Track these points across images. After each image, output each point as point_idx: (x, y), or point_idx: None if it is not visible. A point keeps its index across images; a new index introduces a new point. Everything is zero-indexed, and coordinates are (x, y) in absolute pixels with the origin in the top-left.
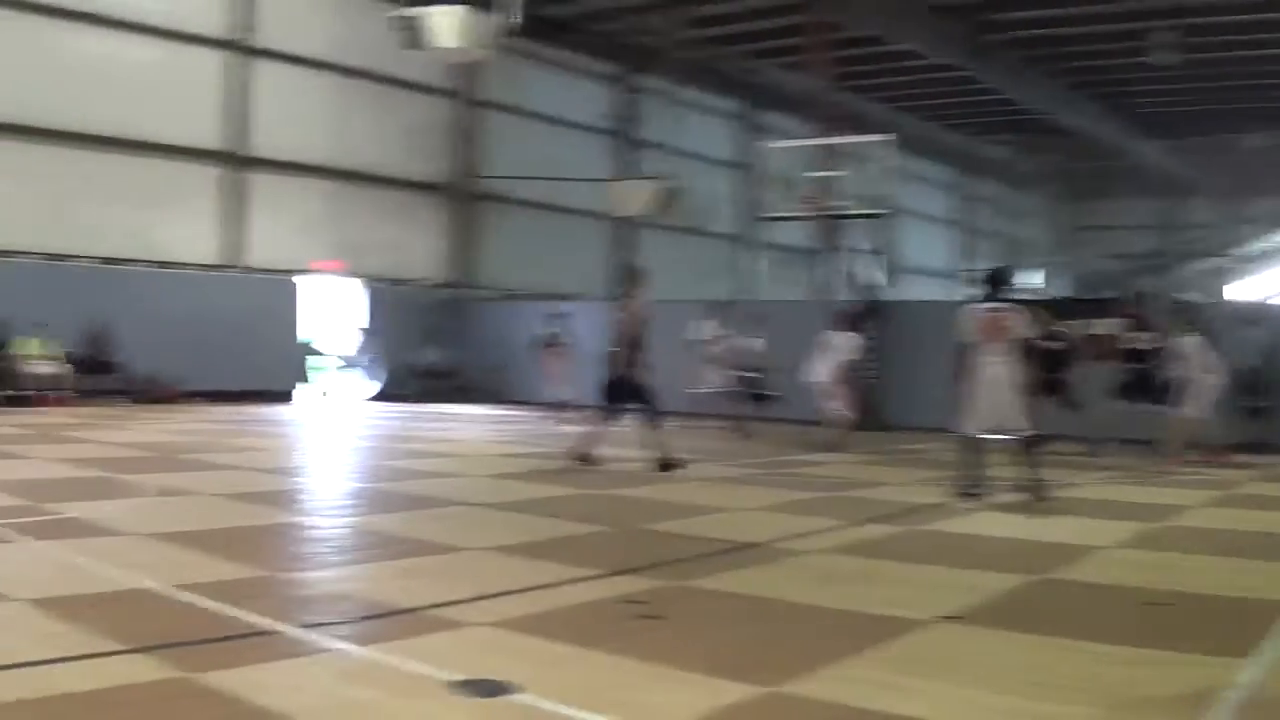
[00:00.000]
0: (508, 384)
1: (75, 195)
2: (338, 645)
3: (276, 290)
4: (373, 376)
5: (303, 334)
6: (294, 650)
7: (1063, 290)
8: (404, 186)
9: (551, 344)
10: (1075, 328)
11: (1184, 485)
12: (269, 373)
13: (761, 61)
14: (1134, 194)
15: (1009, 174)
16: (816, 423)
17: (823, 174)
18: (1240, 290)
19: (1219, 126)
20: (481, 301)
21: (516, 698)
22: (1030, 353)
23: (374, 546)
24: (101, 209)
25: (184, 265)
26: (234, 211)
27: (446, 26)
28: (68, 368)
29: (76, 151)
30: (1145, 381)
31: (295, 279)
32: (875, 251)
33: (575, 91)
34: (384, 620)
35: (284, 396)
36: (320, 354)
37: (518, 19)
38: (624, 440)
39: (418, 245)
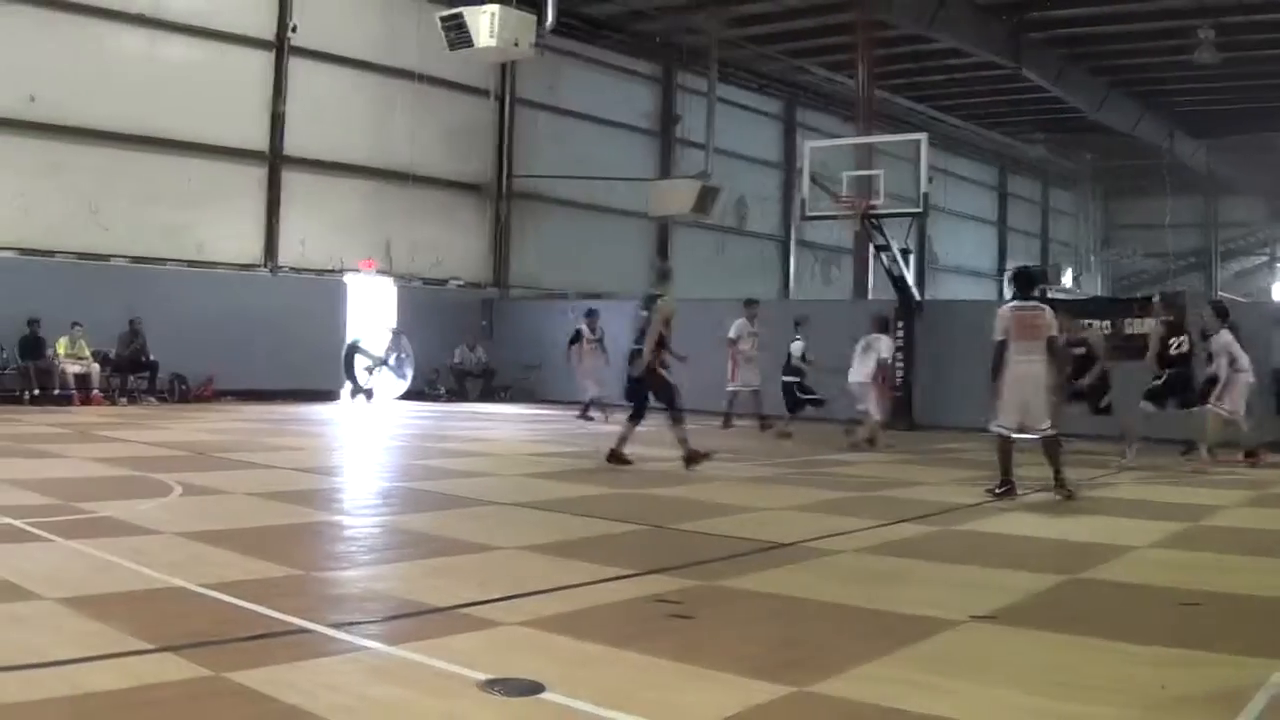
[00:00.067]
0: (543, 383)
1: (114, 195)
2: (368, 644)
3: (317, 289)
4: (402, 375)
5: (344, 333)
6: (325, 649)
7: (1100, 290)
8: (443, 186)
9: (581, 341)
10: (1094, 331)
11: (1217, 485)
12: (310, 372)
13: (803, 61)
14: (1173, 193)
15: (1048, 173)
16: (855, 422)
17: (862, 173)
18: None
19: (1259, 125)
20: (518, 301)
21: (547, 697)
22: (1057, 352)
23: (406, 545)
24: (140, 208)
25: (223, 265)
26: (273, 211)
27: (487, 26)
28: (100, 366)
29: (116, 151)
30: (1176, 385)
31: (339, 278)
32: (912, 251)
33: (616, 91)
34: (415, 619)
35: (324, 396)
36: (360, 353)
37: (555, 18)
38: (654, 439)
39: (456, 245)
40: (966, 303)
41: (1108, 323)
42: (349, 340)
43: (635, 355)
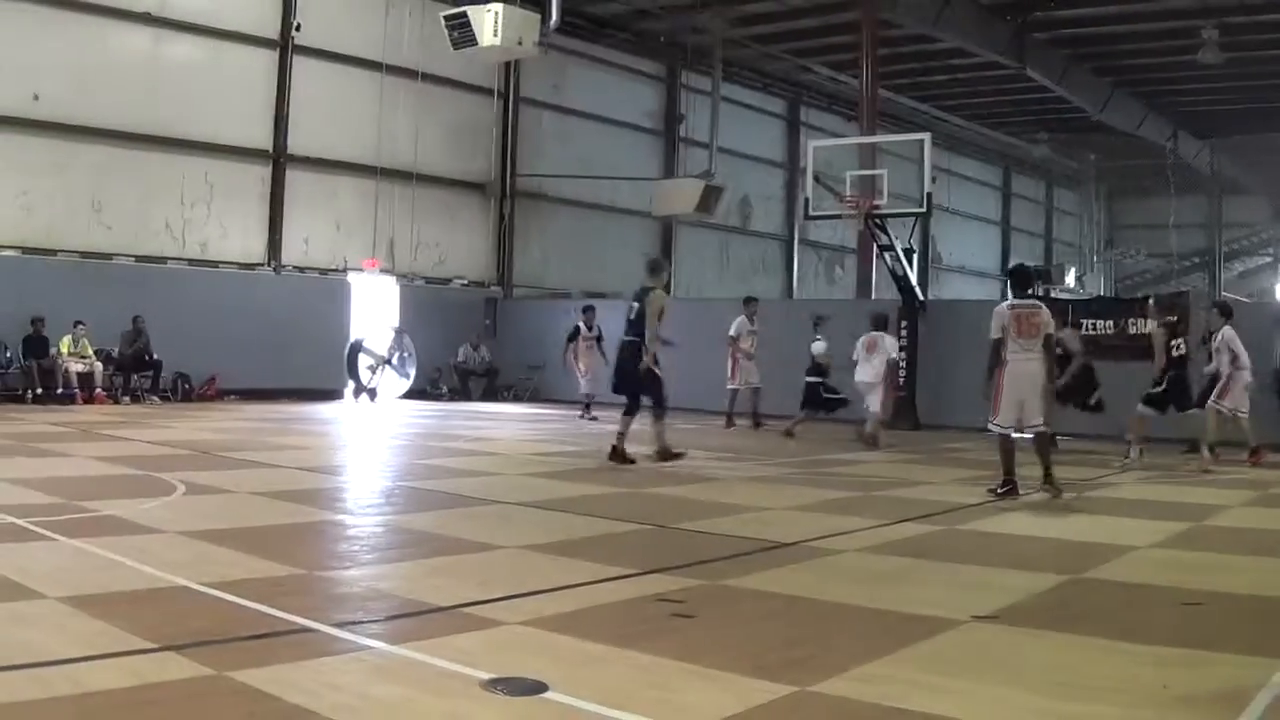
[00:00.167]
0: (546, 382)
1: (117, 193)
2: (371, 643)
3: (320, 288)
4: (405, 375)
5: (347, 332)
6: (327, 648)
7: (1103, 290)
8: (446, 185)
9: (578, 339)
10: (1068, 331)
11: (1220, 485)
12: (313, 371)
13: (807, 60)
14: (1176, 193)
15: (1051, 173)
16: (862, 421)
17: (866, 173)
18: None
19: (1262, 125)
20: (522, 300)
21: (550, 696)
22: (1053, 350)
23: (408, 545)
24: (144, 207)
25: (226, 264)
26: (276, 210)
27: (491, 24)
28: (103, 365)
29: (120, 149)
30: (1175, 389)
31: (343, 277)
32: (916, 251)
33: (620, 90)
34: (418, 618)
35: (327, 395)
36: (363, 352)
37: (559, 17)
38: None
39: (459, 244)
40: (970, 303)
41: (1111, 322)
42: (352, 339)
43: (626, 347)
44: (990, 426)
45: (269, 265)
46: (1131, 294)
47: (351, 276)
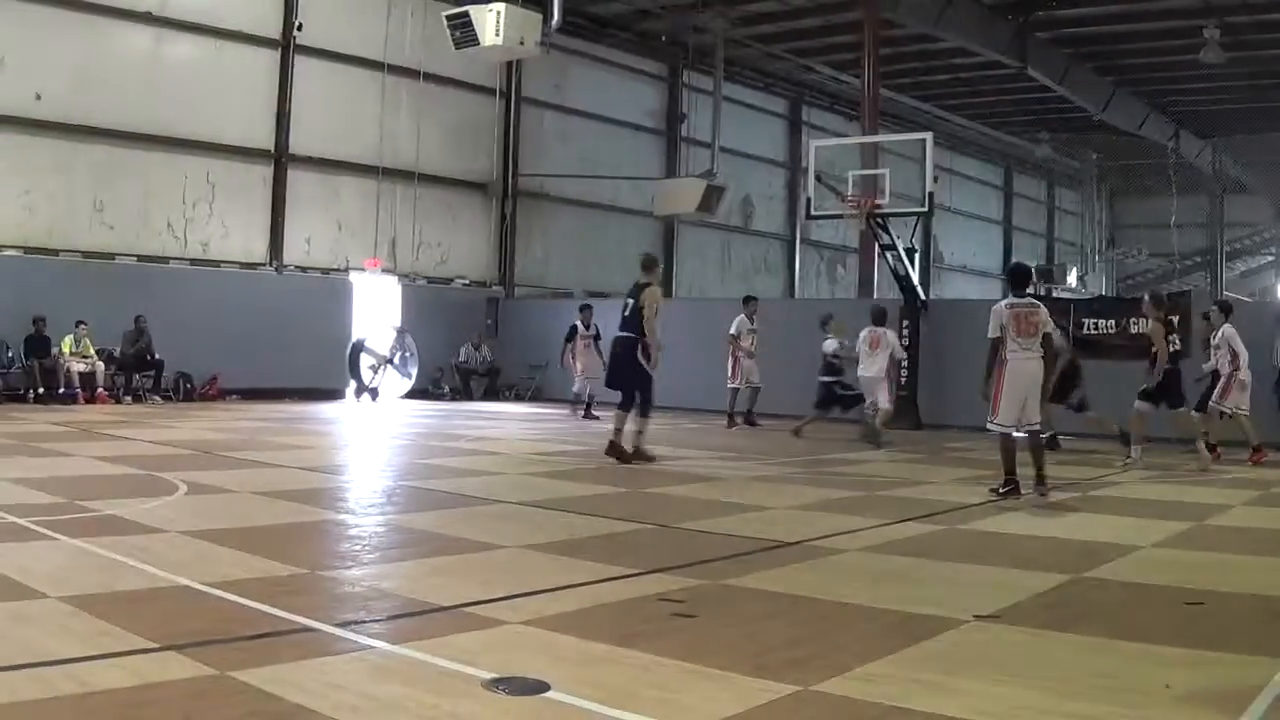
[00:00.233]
0: (548, 382)
1: (119, 193)
2: (373, 643)
3: (322, 288)
4: (407, 374)
5: (349, 332)
6: (329, 648)
7: (1105, 289)
8: (448, 184)
9: (575, 339)
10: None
11: (1221, 484)
12: (315, 371)
13: (808, 60)
14: (1178, 192)
15: (1053, 172)
16: (862, 421)
17: (867, 172)
18: None
19: (1264, 124)
20: (523, 300)
21: (551, 696)
22: (1052, 349)
23: (410, 544)
24: (145, 207)
25: (228, 263)
26: (278, 209)
27: (493, 24)
28: (105, 365)
29: (121, 149)
30: (1171, 384)
31: (344, 277)
32: (917, 250)
33: (621, 89)
34: (420, 618)
35: (329, 394)
36: (365, 352)
37: (561, 17)
38: (658, 438)
39: (461, 243)
40: (971, 302)
41: (1112, 321)
42: (354, 339)
43: (620, 342)
44: (990, 426)
45: (271, 265)
46: (1133, 294)
47: (353, 276)
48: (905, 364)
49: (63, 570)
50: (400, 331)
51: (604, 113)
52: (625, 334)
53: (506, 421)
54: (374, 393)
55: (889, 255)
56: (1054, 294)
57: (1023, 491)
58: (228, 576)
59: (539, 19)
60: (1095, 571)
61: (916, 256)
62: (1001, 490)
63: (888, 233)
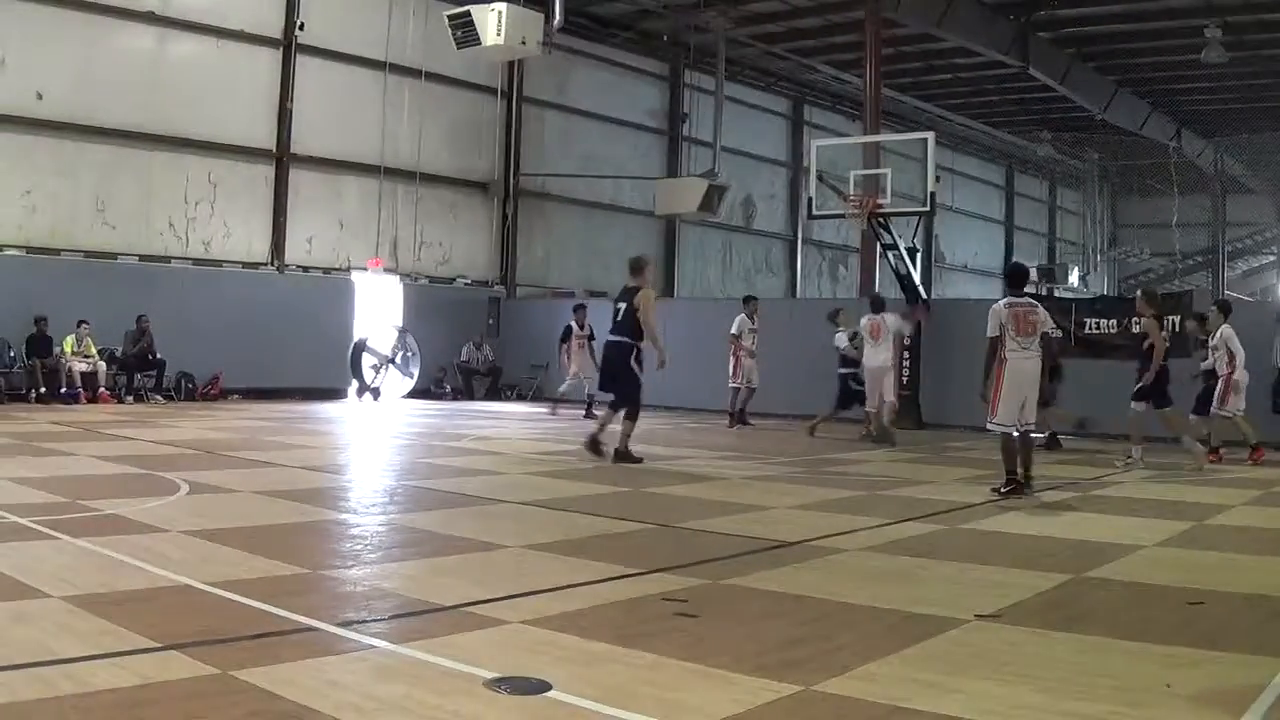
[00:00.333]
0: (549, 381)
1: (121, 192)
2: (375, 642)
3: (324, 288)
4: (408, 374)
5: (351, 331)
6: (331, 647)
7: (1106, 289)
8: (450, 184)
9: (570, 339)
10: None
11: (1222, 484)
12: (316, 370)
13: (810, 59)
14: (1180, 192)
15: (1055, 172)
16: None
17: (869, 172)
18: None
19: (1266, 124)
20: (525, 299)
21: (553, 695)
22: (1050, 348)
23: (412, 544)
24: (147, 206)
25: (230, 263)
26: (280, 209)
27: (495, 24)
28: (106, 364)
29: (123, 149)
30: (1163, 381)
31: (346, 276)
32: (919, 250)
33: (623, 89)
34: (421, 618)
35: (331, 394)
36: (367, 351)
37: (563, 17)
38: (665, 438)
39: (463, 243)
40: (973, 302)
41: (1114, 321)
42: (356, 338)
43: (612, 346)
44: (990, 425)
45: (272, 264)
46: (1135, 293)
47: (355, 276)
48: (908, 348)
49: (64, 570)
50: (402, 331)
51: (605, 112)
52: (617, 338)
53: (508, 421)
54: (376, 392)
55: (890, 255)
56: (1055, 293)
57: (1024, 491)
58: (229, 576)
59: (540, 19)
60: (1096, 571)
61: (918, 256)
62: (1003, 490)
63: (889, 232)
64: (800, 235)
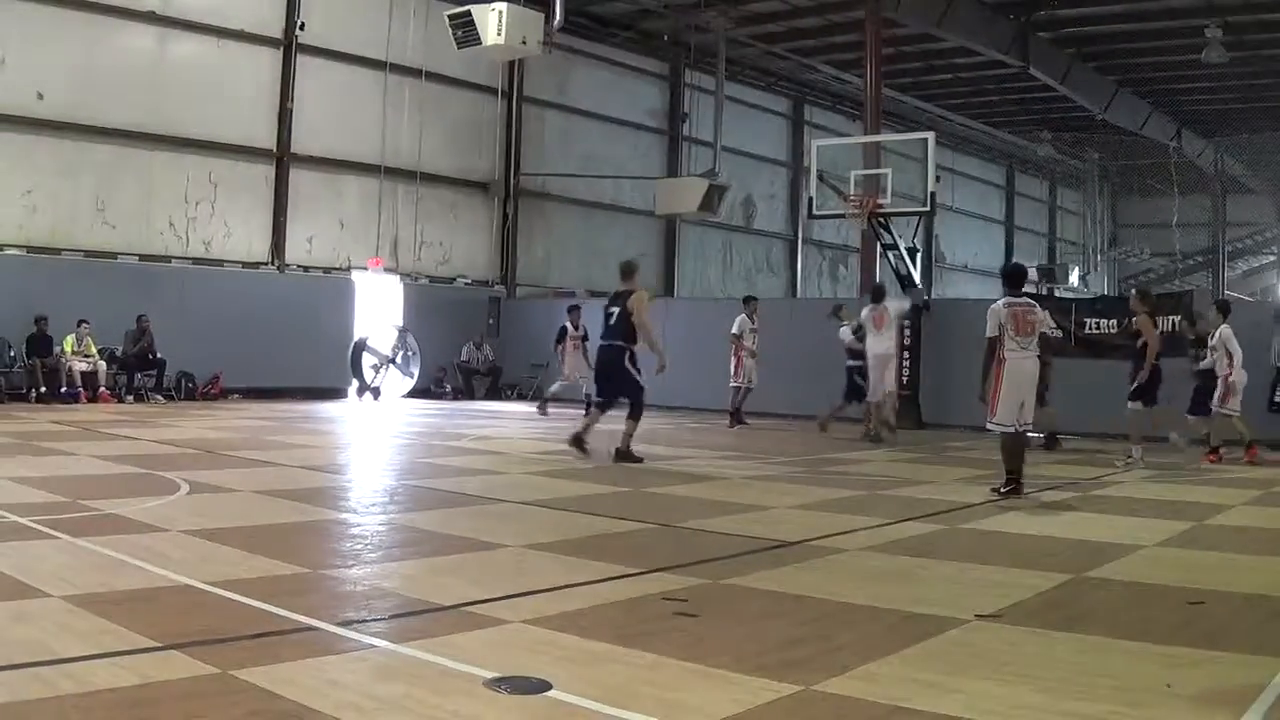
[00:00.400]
0: (549, 381)
1: (121, 192)
2: (375, 642)
3: (324, 287)
4: (408, 373)
5: (351, 331)
6: (331, 647)
7: (1107, 289)
8: (450, 184)
9: (565, 339)
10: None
11: (1222, 484)
12: (317, 370)
13: (810, 59)
14: (1180, 192)
15: (1055, 172)
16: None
17: (869, 172)
18: None
19: (1266, 124)
20: (525, 299)
21: (553, 695)
22: (1048, 348)
23: (412, 543)
24: (147, 206)
25: (230, 262)
26: (280, 209)
27: (495, 23)
28: (107, 364)
29: (124, 148)
30: (1158, 380)
31: (347, 276)
32: (919, 250)
33: (623, 89)
34: (422, 617)
35: (331, 394)
36: (367, 351)
37: (563, 16)
38: (666, 438)
39: (463, 242)
40: (973, 301)
41: (1114, 321)
42: (356, 338)
43: (606, 350)
44: (990, 425)
45: (273, 264)
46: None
47: (355, 275)
48: (907, 363)
49: (64, 569)
50: (402, 331)
51: (606, 112)
52: (611, 343)
53: (508, 421)
54: (376, 392)
55: (891, 255)
56: (1056, 293)
57: (1024, 492)
58: (229, 575)
59: (541, 18)
60: (1096, 571)
61: (918, 256)
62: (1003, 490)
63: (890, 232)
64: (800, 235)
